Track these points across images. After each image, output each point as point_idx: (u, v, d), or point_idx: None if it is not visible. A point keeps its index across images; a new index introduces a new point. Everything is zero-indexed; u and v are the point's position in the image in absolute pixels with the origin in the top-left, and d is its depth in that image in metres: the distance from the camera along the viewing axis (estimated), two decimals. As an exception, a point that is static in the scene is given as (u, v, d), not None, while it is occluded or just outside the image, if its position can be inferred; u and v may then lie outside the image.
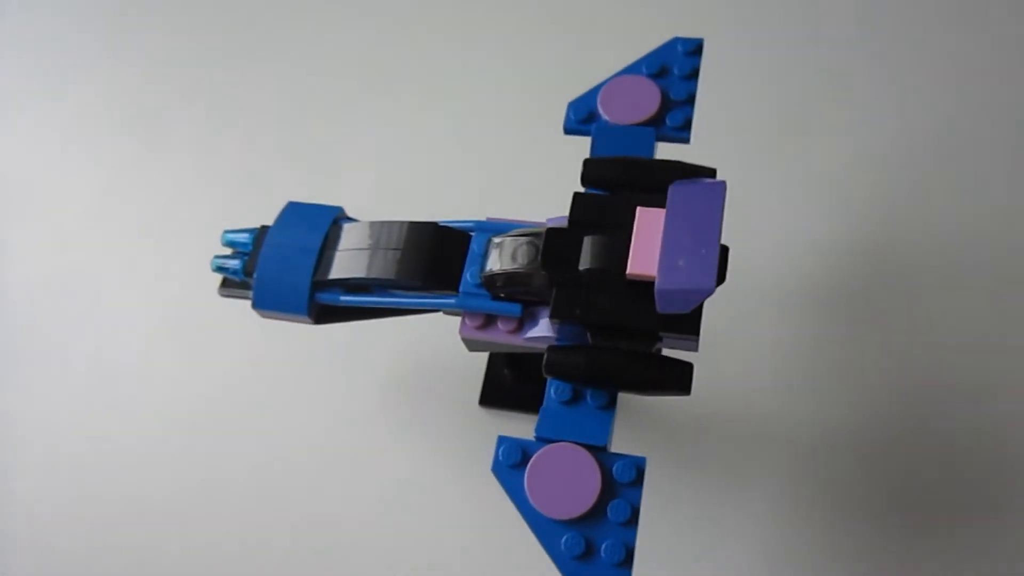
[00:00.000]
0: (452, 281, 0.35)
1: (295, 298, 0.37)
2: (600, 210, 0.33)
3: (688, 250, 0.30)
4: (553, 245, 0.33)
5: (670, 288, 0.29)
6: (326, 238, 0.37)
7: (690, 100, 0.37)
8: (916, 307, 0.48)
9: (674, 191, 0.31)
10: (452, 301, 0.35)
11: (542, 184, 0.49)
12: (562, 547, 0.30)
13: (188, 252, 0.53)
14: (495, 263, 0.34)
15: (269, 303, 0.37)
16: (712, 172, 0.34)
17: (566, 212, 0.34)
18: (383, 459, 0.46)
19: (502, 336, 0.35)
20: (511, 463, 0.32)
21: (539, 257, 0.33)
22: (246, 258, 0.38)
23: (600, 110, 0.37)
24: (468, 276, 0.35)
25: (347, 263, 0.36)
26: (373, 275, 0.36)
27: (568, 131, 0.38)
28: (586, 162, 0.35)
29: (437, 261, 0.35)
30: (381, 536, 0.45)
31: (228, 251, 0.40)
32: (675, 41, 0.39)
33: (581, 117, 0.38)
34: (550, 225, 0.35)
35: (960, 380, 0.45)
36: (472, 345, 0.37)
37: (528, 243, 0.34)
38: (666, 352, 0.33)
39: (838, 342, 0.46)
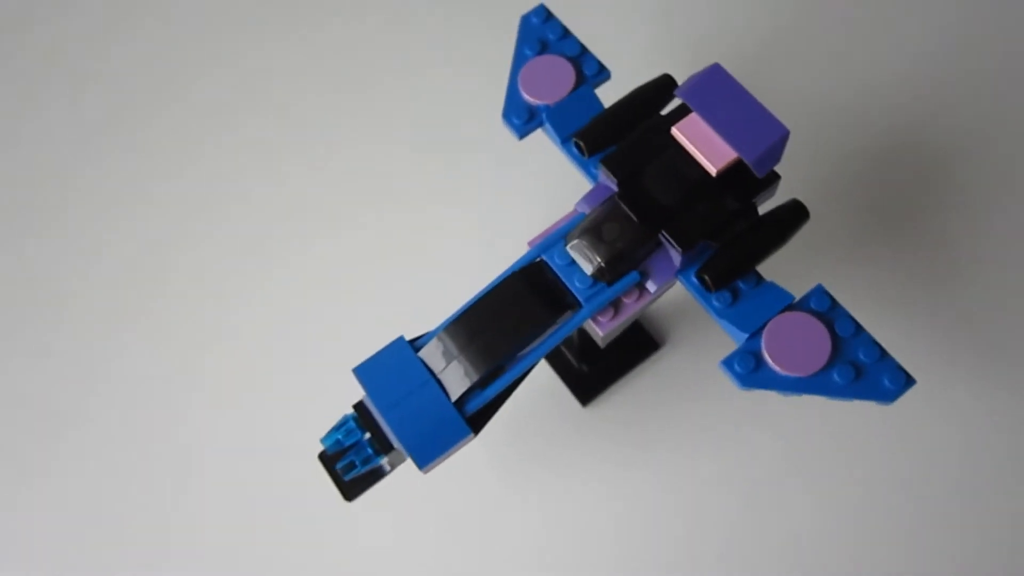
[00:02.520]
0: (567, 301, 0.37)
1: (453, 428, 0.36)
2: (633, 157, 0.37)
3: (743, 119, 0.35)
4: (638, 205, 0.36)
5: (760, 153, 0.34)
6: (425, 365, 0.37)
7: (585, 48, 0.42)
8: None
9: (688, 95, 0.35)
10: (584, 313, 0.37)
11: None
12: (839, 381, 0.34)
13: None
14: (594, 256, 0.36)
15: (432, 453, 0.36)
16: (666, 77, 0.39)
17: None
18: (540, 495, 0.47)
19: (633, 307, 0.38)
20: (750, 369, 0.35)
21: (626, 224, 0.36)
22: (367, 446, 0.37)
23: (535, 101, 0.40)
24: (577, 284, 0.37)
25: (453, 378, 0.36)
26: (477, 377, 0.36)
27: (522, 135, 0.41)
28: (579, 135, 0.38)
29: (545, 297, 0.37)
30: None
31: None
32: (527, 18, 0.43)
33: (525, 118, 0.40)
34: (585, 205, 0.38)
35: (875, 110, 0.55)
36: (607, 338, 0.39)
37: (605, 225, 0.37)
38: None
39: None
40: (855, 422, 0.47)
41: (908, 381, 0.34)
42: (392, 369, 0.37)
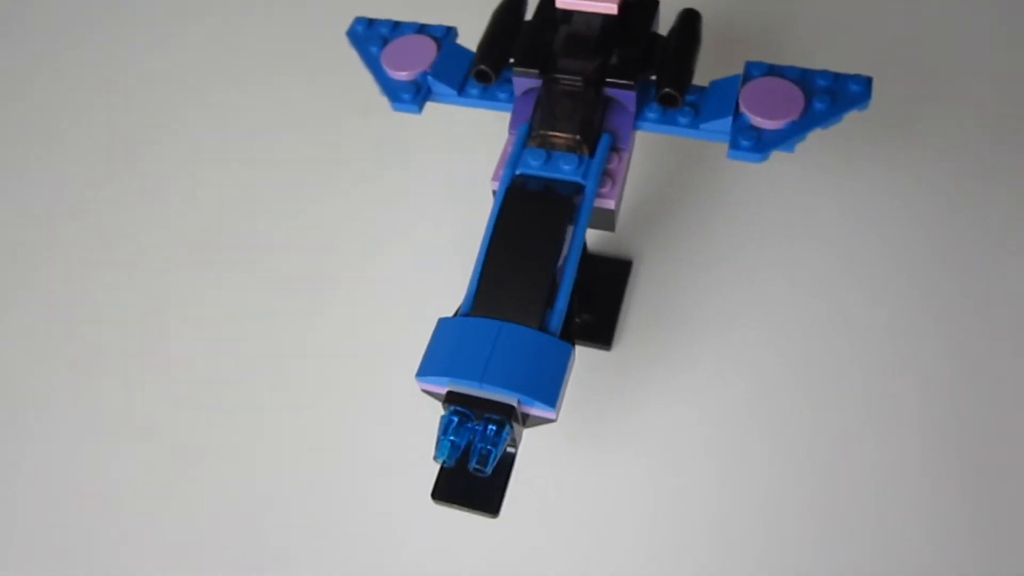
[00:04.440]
0: (567, 190, 0.36)
1: (556, 351, 0.32)
2: (536, 47, 0.38)
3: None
4: (571, 73, 0.37)
5: None
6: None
7: (422, 24, 0.42)
8: None
9: None
10: (590, 187, 0.36)
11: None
12: (823, 107, 0.36)
13: None
14: (563, 136, 0.36)
15: (554, 387, 0.32)
16: None
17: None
18: (626, 448, 0.43)
19: (621, 169, 0.37)
20: (755, 139, 0.36)
21: (573, 97, 0.37)
22: (486, 426, 0.32)
23: (410, 75, 0.40)
24: (565, 167, 0.36)
25: (520, 314, 0.33)
26: (541, 299, 0.33)
27: (420, 108, 0.40)
28: (479, 63, 0.38)
29: (547, 199, 0.35)
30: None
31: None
32: (352, 31, 0.42)
33: (413, 91, 0.39)
34: (518, 121, 0.38)
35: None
36: (617, 211, 0.38)
37: (556, 108, 0.37)
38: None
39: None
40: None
41: (868, 79, 0.37)
42: (456, 343, 0.33)
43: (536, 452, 0.43)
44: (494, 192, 0.37)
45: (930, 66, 0.57)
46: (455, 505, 0.33)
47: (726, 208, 0.51)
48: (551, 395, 0.31)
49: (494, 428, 0.32)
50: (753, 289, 0.48)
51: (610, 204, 0.37)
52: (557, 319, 0.33)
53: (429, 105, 0.41)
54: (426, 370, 0.32)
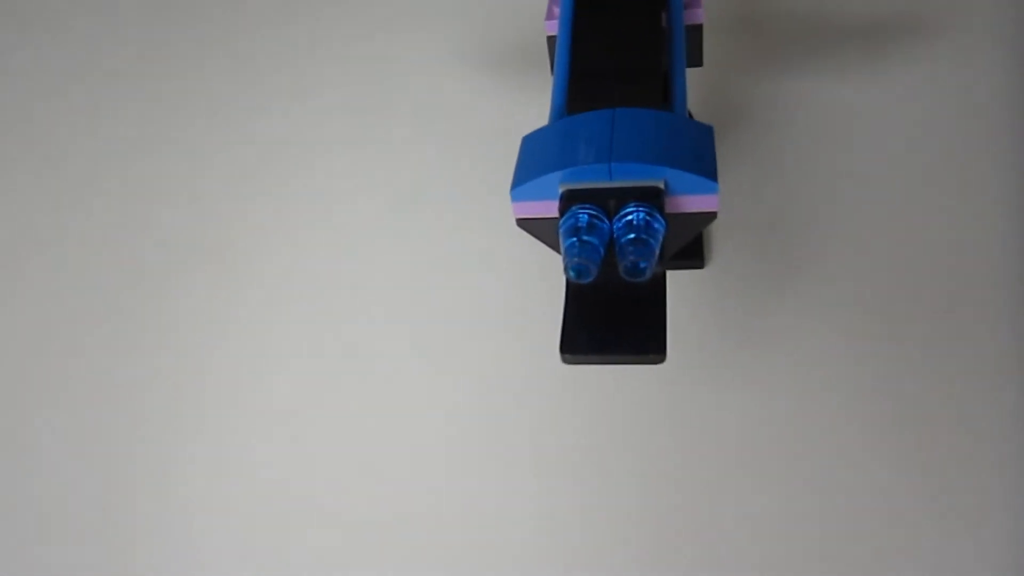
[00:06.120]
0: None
1: (698, 129, 0.25)
2: None
3: None
4: None
5: None
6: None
7: None
8: None
9: None
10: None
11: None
12: None
13: None
14: None
15: (711, 163, 0.24)
16: None
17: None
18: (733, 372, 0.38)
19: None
20: None
21: None
22: (634, 213, 0.23)
23: None
24: None
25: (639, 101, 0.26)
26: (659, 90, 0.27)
27: None
28: None
29: (626, 8, 0.29)
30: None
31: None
32: None
33: None
34: None
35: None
36: None
37: None
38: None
39: None
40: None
41: None
42: (559, 141, 0.24)
43: (640, 380, 0.38)
44: (549, 38, 0.32)
45: None
46: (600, 358, 0.23)
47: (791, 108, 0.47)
48: (708, 168, 0.23)
49: (643, 214, 0.22)
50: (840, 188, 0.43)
51: (699, 17, 0.32)
52: (681, 106, 0.26)
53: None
54: (524, 177, 0.23)
